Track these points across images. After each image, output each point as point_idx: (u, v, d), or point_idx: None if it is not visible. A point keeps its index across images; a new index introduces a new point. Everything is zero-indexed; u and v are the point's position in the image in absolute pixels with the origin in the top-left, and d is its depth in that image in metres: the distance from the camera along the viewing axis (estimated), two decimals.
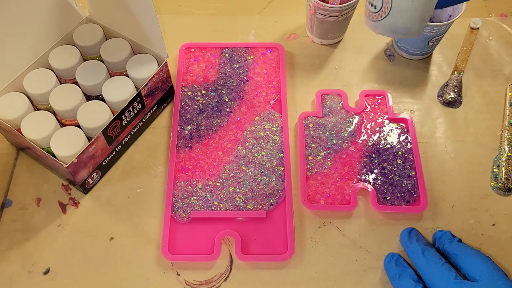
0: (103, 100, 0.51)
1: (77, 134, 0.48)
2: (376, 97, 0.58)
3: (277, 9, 0.67)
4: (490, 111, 0.58)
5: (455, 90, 0.59)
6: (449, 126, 0.57)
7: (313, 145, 0.54)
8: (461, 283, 0.42)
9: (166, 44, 0.51)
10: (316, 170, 0.52)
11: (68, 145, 0.47)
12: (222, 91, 0.58)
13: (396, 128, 0.55)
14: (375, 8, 0.41)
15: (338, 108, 0.57)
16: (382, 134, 0.55)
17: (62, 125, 0.51)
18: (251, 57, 0.61)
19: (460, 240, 0.47)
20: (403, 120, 0.56)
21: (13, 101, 0.50)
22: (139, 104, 0.51)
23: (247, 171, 0.52)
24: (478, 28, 0.64)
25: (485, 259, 0.44)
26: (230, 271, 0.48)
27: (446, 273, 0.43)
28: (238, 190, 0.51)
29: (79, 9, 0.56)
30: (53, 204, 0.51)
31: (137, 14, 0.50)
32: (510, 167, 0.53)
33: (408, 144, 0.54)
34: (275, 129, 0.55)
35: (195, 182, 0.52)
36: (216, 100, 0.57)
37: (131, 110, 0.50)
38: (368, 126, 0.55)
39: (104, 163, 0.51)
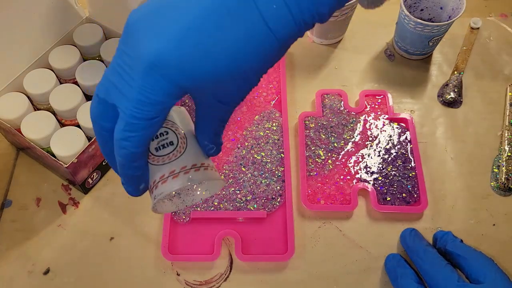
0: None
1: (77, 134, 0.48)
2: (376, 97, 0.58)
3: None
4: (490, 111, 0.58)
5: (455, 90, 0.59)
6: (449, 126, 0.57)
7: (313, 146, 0.54)
8: (465, 286, 0.41)
9: None
10: (316, 170, 0.52)
11: (68, 145, 0.47)
12: None
13: (396, 128, 0.55)
14: None
15: (338, 108, 0.57)
16: (382, 134, 0.55)
17: (62, 125, 0.51)
18: None
19: (461, 241, 0.47)
20: (403, 120, 0.56)
21: (13, 101, 0.50)
22: None
23: (247, 172, 0.52)
24: (478, 28, 0.64)
25: (488, 261, 0.43)
26: (230, 271, 0.48)
27: (449, 275, 0.42)
28: (238, 191, 0.51)
29: (79, 9, 0.55)
30: (53, 204, 0.51)
31: None
32: (510, 167, 0.53)
33: (408, 144, 0.54)
34: (275, 128, 0.55)
35: None
36: None
37: None
38: (368, 126, 0.55)
39: (104, 163, 0.51)
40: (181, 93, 0.28)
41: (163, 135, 0.32)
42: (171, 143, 0.32)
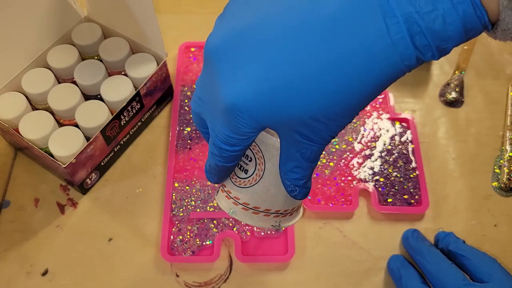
0: (101, 99, 0.51)
1: (76, 134, 0.47)
2: (377, 96, 0.57)
3: None
4: (492, 111, 0.57)
5: (457, 89, 0.58)
6: (451, 126, 0.56)
7: None
8: (470, 285, 0.41)
9: (165, 43, 0.51)
10: (316, 171, 0.52)
11: (66, 145, 0.47)
12: None
13: (398, 128, 0.55)
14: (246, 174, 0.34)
15: None
16: (383, 134, 0.54)
17: (61, 125, 0.51)
18: None
19: (464, 242, 0.46)
20: (405, 120, 0.55)
21: (11, 100, 0.49)
22: (138, 104, 0.51)
23: None
24: None
25: (492, 260, 0.43)
26: (230, 272, 0.47)
27: (454, 275, 0.42)
28: None
29: (77, 8, 0.55)
30: (51, 204, 0.51)
31: (136, 13, 0.49)
32: None
33: (410, 144, 0.54)
34: None
35: (193, 182, 0.51)
36: None
37: (130, 109, 0.50)
38: (369, 126, 0.55)
39: (102, 163, 0.51)
40: (264, 128, 0.27)
41: (246, 158, 0.32)
42: (246, 171, 0.32)
